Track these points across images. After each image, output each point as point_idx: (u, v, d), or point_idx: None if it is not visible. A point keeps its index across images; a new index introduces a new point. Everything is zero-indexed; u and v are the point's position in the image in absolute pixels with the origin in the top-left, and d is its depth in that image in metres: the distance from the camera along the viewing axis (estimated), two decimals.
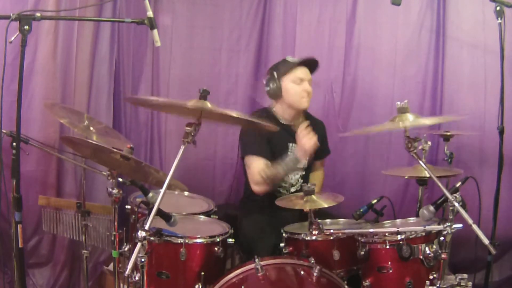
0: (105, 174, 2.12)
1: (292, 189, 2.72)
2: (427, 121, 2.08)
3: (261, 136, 2.57)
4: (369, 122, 3.26)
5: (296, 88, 2.62)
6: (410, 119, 1.87)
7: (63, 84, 3.02)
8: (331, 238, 2.23)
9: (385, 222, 2.38)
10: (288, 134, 2.63)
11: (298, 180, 2.73)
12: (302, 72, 2.64)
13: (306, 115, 2.81)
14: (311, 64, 2.68)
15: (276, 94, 2.65)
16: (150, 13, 2.19)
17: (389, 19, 3.29)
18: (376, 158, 3.35)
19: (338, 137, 3.20)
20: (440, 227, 1.83)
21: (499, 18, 2.62)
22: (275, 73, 2.65)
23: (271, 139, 2.60)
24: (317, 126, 2.72)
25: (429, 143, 2.61)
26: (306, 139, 2.39)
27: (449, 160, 2.90)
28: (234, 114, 1.88)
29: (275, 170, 2.46)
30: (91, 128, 2.57)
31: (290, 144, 2.64)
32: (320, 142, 2.60)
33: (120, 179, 2.13)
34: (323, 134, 2.79)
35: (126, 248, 2.24)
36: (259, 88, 3.40)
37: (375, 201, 2.40)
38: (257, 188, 2.54)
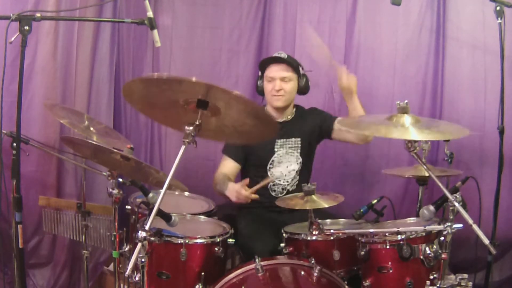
0: (105, 175, 2.12)
1: (289, 187, 2.75)
2: (419, 135, 1.83)
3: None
4: None
5: (267, 86, 2.67)
6: (405, 125, 1.83)
7: (63, 84, 3.02)
8: (331, 238, 2.23)
9: (385, 222, 2.37)
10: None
11: (291, 180, 2.74)
12: (272, 70, 2.65)
13: (297, 109, 2.81)
14: (287, 61, 2.64)
15: (261, 92, 2.75)
16: (150, 14, 2.19)
17: (389, 19, 3.29)
18: (376, 158, 3.35)
19: None
20: (440, 227, 1.82)
21: (499, 18, 2.62)
22: (260, 72, 2.75)
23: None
24: (311, 116, 2.80)
25: (429, 143, 2.61)
26: (238, 195, 2.41)
27: (449, 160, 2.89)
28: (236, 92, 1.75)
29: (219, 185, 2.58)
30: (91, 129, 2.57)
31: (277, 140, 2.71)
32: (318, 126, 2.75)
33: (120, 180, 2.13)
34: (319, 117, 2.80)
35: (126, 249, 2.24)
36: None
37: (375, 201, 2.40)
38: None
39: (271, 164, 2.71)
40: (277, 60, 2.64)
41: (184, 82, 1.69)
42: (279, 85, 2.63)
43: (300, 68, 2.70)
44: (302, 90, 2.72)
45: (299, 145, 2.73)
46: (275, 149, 2.72)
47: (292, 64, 2.66)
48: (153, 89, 1.80)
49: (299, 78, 2.69)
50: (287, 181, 2.73)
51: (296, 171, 2.73)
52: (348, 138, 2.74)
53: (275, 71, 2.64)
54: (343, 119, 2.51)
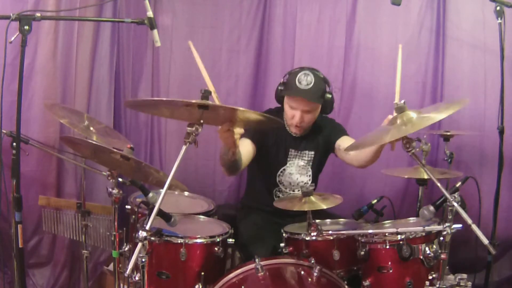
0: (105, 174, 2.12)
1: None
2: (433, 115, 1.85)
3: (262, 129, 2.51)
4: (369, 122, 3.26)
5: (288, 112, 2.53)
6: (413, 117, 1.83)
7: (63, 84, 3.02)
8: (331, 238, 2.23)
9: (385, 222, 2.38)
10: (291, 140, 2.63)
11: (298, 191, 2.69)
12: (295, 101, 2.47)
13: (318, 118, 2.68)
14: (310, 94, 2.44)
15: (280, 101, 2.61)
16: (150, 13, 2.20)
17: (389, 19, 3.29)
18: None
19: None
20: (440, 227, 1.83)
21: (499, 18, 2.62)
22: (280, 87, 2.55)
23: (274, 142, 2.61)
24: (326, 127, 2.69)
25: (429, 144, 2.61)
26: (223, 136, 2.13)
27: (449, 160, 2.90)
28: (240, 108, 1.82)
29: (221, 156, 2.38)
30: (91, 128, 2.57)
31: (291, 150, 2.64)
32: (328, 137, 2.63)
33: (120, 179, 2.13)
34: (331, 130, 2.67)
35: (126, 248, 2.24)
36: (259, 88, 3.41)
37: (375, 201, 2.41)
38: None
39: (281, 172, 2.66)
40: (304, 94, 2.42)
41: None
42: (300, 117, 2.48)
43: (327, 87, 2.52)
44: (325, 111, 2.58)
45: (312, 158, 2.67)
46: (288, 159, 2.64)
47: (318, 96, 2.47)
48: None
49: (324, 100, 2.51)
50: (293, 190, 2.68)
51: (305, 183, 2.67)
52: (346, 159, 2.56)
53: (298, 102, 2.46)
54: (349, 145, 2.19)
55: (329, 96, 2.52)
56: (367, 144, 2.13)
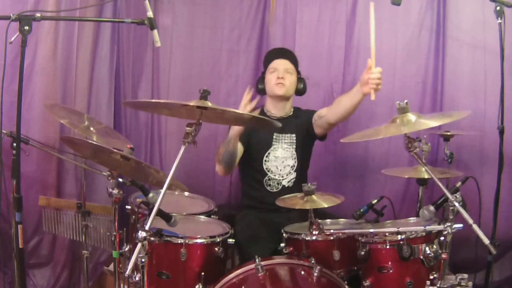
0: (105, 175, 2.12)
1: (284, 182, 2.75)
2: (430, 122, 1.89)
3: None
4: (369, 122, 3.26)
5: (271, 77, 2.77)
6: (412, 120, 1.85)
7: (63, 84, 3.02)
8: (331, 238, 2.23)
9: (385, 222, 2.37)
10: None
11: (286, 175, 2.75)
12: (276, 62, 2.78)
13: (295, 109, 2.88)
14: (287, 55, 2.82)
15: (263, 90, 2.82)
16: (150, 13, 2.20)
17: (389, 19, 3.28)
18: (376, 158, 3.35)
19: (338, 137, 3.19)
20: (441, 227, 1.83)
21: (499, 18, 2.62)
22: (263, 68, 2.85)
23: (258, 130, 2.75)
24: (305, 114, 2.85)
25: (429, 144, 2.60)
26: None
27: (449, 160, 2.90)
28: (234, 110, 1.89)
29: (221, 145, 2.61)
30: (91, 129, 2.57)
31: (275, 134, 2.76)
32: (307, 123, 2.79)
33: (120, 180, 2.13)
34: (309, 115, 2.83)
35: (126, 249, 2.24)
36: None
37: (375, 201, 2.40)
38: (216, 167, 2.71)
39: (266, 157, 2.73)
40: (282, 55, 2.81)
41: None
42: (283, 73, 2.73)
43: (299, 70, 2.83)
44: (300, 89, 2.83)
45: (294, 141, 2.77)
46: (273, 143, 2.76)
47: (294, 61, 2.83)
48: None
49: (298, 77, 2.82)
50: (282, 176, 2.74)
51: (291, 167, 2.75)
52: (324, 123, 2.73)
53: (279, 63, 2.77)
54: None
55: (301, 81, 2.82)
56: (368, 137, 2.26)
